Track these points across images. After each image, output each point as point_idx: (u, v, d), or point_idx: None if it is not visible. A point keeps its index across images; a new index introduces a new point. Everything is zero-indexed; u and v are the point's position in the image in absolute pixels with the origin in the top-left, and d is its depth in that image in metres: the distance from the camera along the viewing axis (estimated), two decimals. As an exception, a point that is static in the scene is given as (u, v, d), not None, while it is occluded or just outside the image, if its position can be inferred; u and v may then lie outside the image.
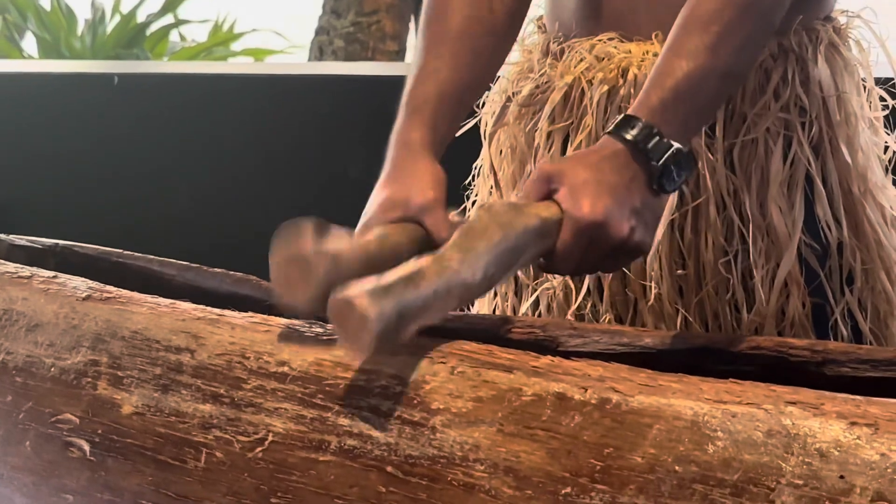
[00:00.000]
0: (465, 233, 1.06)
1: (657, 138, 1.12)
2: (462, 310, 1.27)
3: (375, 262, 1.11)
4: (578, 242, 1.10)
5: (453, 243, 1.05)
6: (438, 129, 1.27)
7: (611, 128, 1.15)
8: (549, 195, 1.12)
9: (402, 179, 1.23)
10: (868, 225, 1.34)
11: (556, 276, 1.37)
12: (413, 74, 1.31)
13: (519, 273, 1.42)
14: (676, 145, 1.13)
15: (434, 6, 1.34)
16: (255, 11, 7.01)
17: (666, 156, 1.12)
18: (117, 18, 6.20)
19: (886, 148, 1.41)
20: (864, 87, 1.39)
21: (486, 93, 1.47)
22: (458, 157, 1.39)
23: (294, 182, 2.88)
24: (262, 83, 3.02)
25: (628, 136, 1.12)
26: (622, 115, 1.15)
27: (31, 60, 5.90)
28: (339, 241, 1.10)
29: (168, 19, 6.31)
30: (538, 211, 1.10)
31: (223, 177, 2.94)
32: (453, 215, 1.22)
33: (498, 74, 1.45)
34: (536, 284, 1.40)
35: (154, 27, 6.23)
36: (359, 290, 0.97)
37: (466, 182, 1.50)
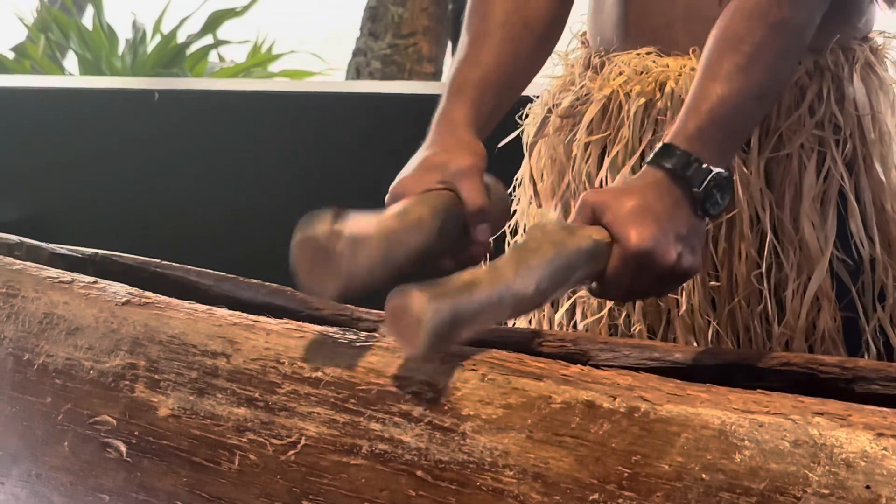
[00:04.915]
0: (519, 249, 1.09)
1: (696, 164, 1.13)
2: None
3: (396, 238, 1.13)
4: (627, 269, 1.11)
5: (508, 257, 1.07)
6: (482, 110, 1.29)
7: (650, 157, 1.15)
8: (594, 224, 1.13)
9: (442, 146, 1.25)
10: (901, 243, 1.34)
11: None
12: (456, 62, 1.33)
13: None
14: (716, 170, 1.13)
15: (476, 4, 1.37)
16: (294, 33, 7.05)
17: (706, 181, 1.13)
18: (158, 38, 6.25)
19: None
20: (900, 107, 1.40)
21: (529, 104, 1.48)
22: (500, 168, 1.40)
23: (329, 197, 2.88)
24: (299, 100, 3.04)
25: (668, 165, 1.13)
26: (661, 144, 1.16)
27: (74, 77, 5.95)
28: (358, 223, 1.12)
29: (208, 40, 6.33)
30: (590, 233, 1.11)
31: (259, 191, 2.96)
32: (489, 177, 1.23)
33: (542, 88, 1.47)
34: (571, 293, 1.41)
35: (194, 47, 6.27)
36: (414, 292, 0.99)
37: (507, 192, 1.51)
